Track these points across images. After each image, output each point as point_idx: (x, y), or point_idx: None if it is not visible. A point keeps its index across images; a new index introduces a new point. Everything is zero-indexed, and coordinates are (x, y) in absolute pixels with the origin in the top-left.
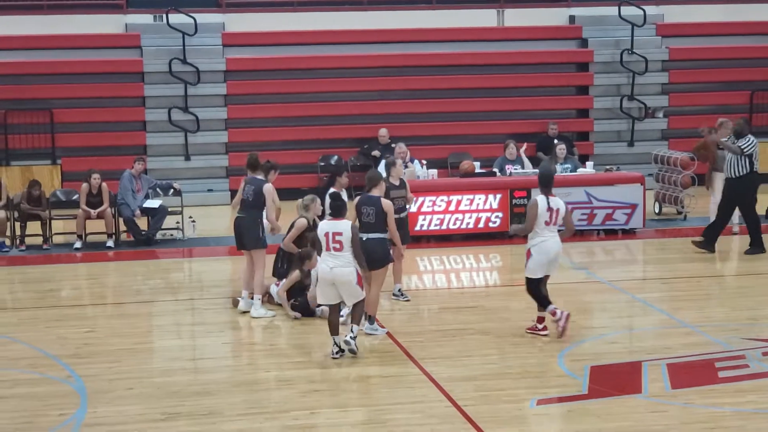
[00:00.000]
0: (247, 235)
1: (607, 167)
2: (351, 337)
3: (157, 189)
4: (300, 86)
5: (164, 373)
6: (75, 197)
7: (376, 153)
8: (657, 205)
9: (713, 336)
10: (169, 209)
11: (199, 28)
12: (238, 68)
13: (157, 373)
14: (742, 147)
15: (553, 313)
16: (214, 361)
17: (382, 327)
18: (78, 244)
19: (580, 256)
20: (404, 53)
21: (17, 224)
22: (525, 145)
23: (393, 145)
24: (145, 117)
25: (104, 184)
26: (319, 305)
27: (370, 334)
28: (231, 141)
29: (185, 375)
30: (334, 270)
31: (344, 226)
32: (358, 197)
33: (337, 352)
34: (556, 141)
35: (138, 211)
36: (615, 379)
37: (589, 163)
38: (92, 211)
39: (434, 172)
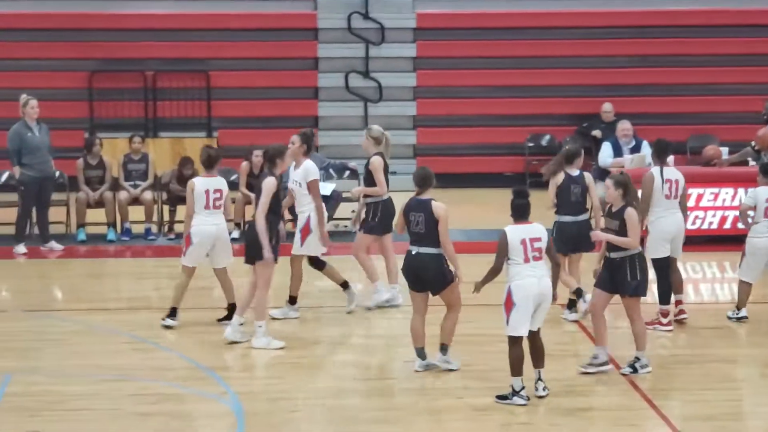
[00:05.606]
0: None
1: None
2: (543, 388)
3: (330, 170)
4: (505, 49)
5: (335, 394)
6: (233, 178)
7: (597, 133)
8: None
9: None
10: (344, 195)
11: None
12: (430, 26)
13: (326, 393)
14: None
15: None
16: (396, 382)
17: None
18: (235, 234)
19: None
20: (636, 10)
21: (166, 208)
22: None
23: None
24: (317, 83)
25: None
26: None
27: (444, 367)
28: (420, 114)
29: (360, 398)
30: (543, 281)
31: (540, 230)
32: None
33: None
34: None
35: None
36: None
37: None
38: (252, 194)
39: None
